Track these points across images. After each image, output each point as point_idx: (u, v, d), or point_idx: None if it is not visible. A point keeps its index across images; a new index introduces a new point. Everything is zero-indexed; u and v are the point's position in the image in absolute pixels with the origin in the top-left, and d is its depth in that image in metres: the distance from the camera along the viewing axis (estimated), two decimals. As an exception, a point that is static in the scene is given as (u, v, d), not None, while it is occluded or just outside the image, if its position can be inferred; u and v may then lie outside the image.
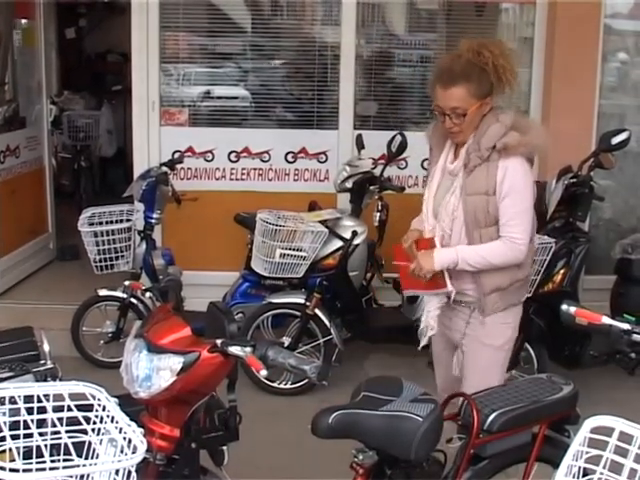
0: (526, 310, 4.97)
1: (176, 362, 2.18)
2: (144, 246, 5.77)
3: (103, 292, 5.69)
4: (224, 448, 2.76)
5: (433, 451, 2.73)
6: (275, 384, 5.47)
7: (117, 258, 5.68)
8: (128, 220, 5.70)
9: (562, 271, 5.20)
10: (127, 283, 5.47)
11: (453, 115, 3.32)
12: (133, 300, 5.61)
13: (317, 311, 5.34)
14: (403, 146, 5.61)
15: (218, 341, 2.22)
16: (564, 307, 2.75)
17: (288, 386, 5.49)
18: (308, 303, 5.33)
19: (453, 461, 2.85)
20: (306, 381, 5.37)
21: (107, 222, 5.66)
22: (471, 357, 3.53)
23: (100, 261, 5.67)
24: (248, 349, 2.17)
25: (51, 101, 8.72)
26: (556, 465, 3.01)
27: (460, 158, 3.44)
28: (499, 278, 3.41)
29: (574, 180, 5.18)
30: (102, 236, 5.61)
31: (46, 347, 3.31)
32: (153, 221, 5.80)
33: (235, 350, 2.18)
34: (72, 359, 5.45)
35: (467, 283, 3.46)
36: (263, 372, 2.10)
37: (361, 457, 2.63)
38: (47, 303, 6.94)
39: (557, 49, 6.36)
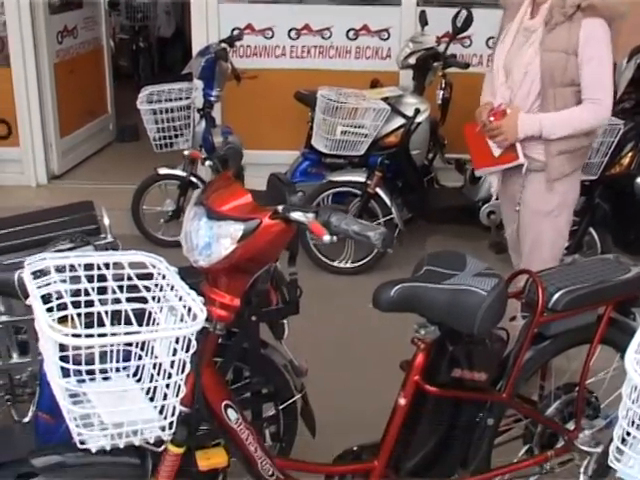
0: (591, 193, 4.93)
1: (236, 229, 2.12)
2: (203, 124, 5.74)
3: (163, 171, 5.70)
4: (284, 322, 2.76)
5: (496, 328, 2.68)
6: (335, 263, 5.49)
7: (176, 136, 5.67)
8: (187, 98, 5.65)
9: (630, 154, 5.05)
10: (187, 153, 5.49)
11: None
12: (193, 178, 5.61)
13: (378, 190, 5.30)
14: (469, 21, 5.45)
15: (280, 207, 2.15)
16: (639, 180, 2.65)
17: (348, 265, 5.50)
18: (369, 182, 5.28)
19: (516, 339, 2.80)
20: (366, 260, 5.39)
21: (166, 100, 5.63)
22: (523, 223, 3.65)
23: (159, 139, 5.66)
24: (310, 215, 2.10)
25: (108, -19, 8.59)
26: (619, 348, 2.99)
27: (540, 15, 3.41)
28: (567, 141, 3.43)
29: (646, 60, 4.98)
30: (161, 114, 5.58)
31: (106, 221, 3.30)
32: (212, 98, 5.74)
33: (297, 216, 2.11)
34: (133, 237, 5.52)
35: (536, 145, 3.47)
36: (326, 237, 2.03)
37: (423, 332, 2.59)
38: (107, 183, 7.02)
39: None
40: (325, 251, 5.45)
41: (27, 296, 1.99)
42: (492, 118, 3.48)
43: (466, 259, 2.68)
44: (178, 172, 5.67)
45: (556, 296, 2.71)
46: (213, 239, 2.16)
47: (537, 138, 3.44)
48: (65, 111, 7.36)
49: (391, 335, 3.63)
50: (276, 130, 6.60)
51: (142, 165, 6.28)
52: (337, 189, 5.40)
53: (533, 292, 2.72)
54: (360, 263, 5.47)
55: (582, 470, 3.04)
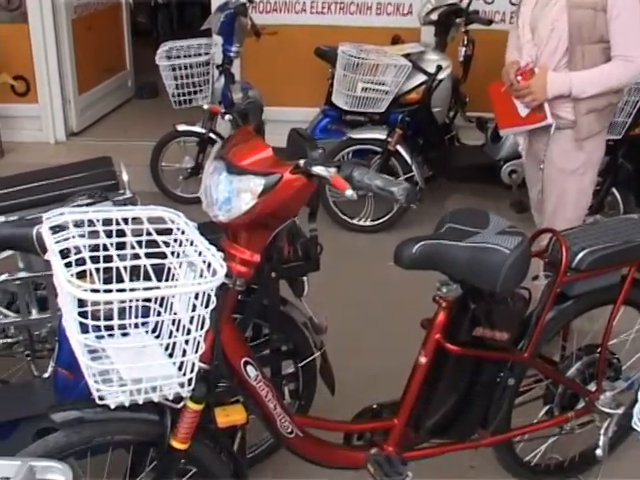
0: (615, 153, 4.87)
1: (257, 184, 2.09)
2: (223, 80, 5.68)
3: (182, 127, 5.68)
4: (304, 279, 2.74)
5: (519, 287, 2.64)
6: (354, 221, 5.47)
7: (195, 92, 5.63)
8: (206, 54, 5.61)
9: (656, 112, 4.95)
10: (206, 107, 5.50)
11: None
12: (212, 135, 5.58)
13: (399, 147, 5.25)
14: (492, -23, 5.37)
15: (301, 162, 2.12)
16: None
17: (367, 223, 5.48)
18: (390, 139, 5.22)
19: (539, 299, 2.76)
20: (385, 218, 5.36)
21: (185, 56, 5.58)
22: (547, 181, 3.60)
23: (178, 96, 5.63)
24: (332, 169, 2.06)
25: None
26: (643, 309, 2.96)
27: None
28: (596, 99, 3.37)
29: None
30: (180, 70, 5.54)
31: (125, 177, 3.28)
32: (232, 54, 5.67)
33: (319, 170, 2.07)
34: (151, 194, 5.49)
35: (564, 103, 3.42)
36: (348, 192, 1.99)
37: (445, 290, 2.55)
38: (126, 140, 7.01)
39: None
40: (344, 209, 5.43)
41: (45, 251, 1.97)
42: (520, 78, 3.42)
43: (489, 217, 2.63)
44: (197, 129, 5.65)
45: (580, 256, 2.67)
46: (233, 194, 2.13)
47: (566, 97, 3.37)
48: (83, 68, 7.33)
49: (412, 293, 3.61)
50: (296, 87, 6.55)
51: (161, 122, 6.25)
52: (357, 146, 5.34)
53: (556, 251, 2.68)
54: (380, 221, 5.45)
55: (602, 432, 3.00)
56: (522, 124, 3.55)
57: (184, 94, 5.61)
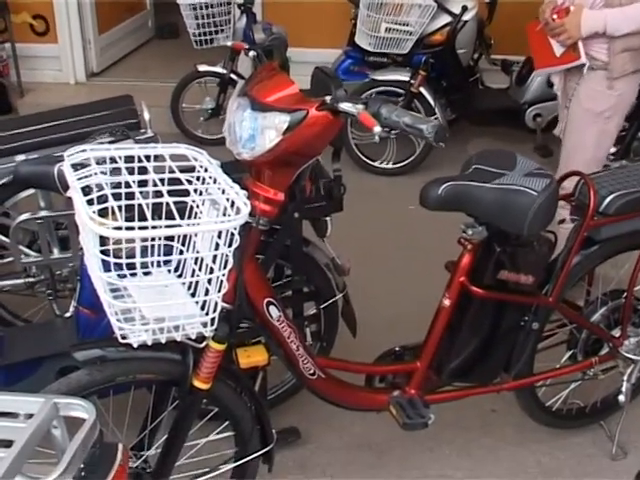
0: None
1: (282, 120, 2.04)
2: (244, 20, 5.63)
3: (203, 67, 5.63)
4: (327, 219, 2.71)
5: (545, 230, 2.60)
6: (376, 163, 5.43)
7: (217, 32, 5.58)
8: (228, -7, 5.52)
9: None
10: (230, 44, 5.42)
11: None
12: (233, 75, 5.52)
13: (422, 89, 5.19)
14: None
15: (327, 98, 2.07)
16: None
17: (389, 166, 5.44)
18: (413, 81, 5.16)
19: (565, 243, 2.72)
20: (408, 161, 5.32)
21: (206, -5, 5.51)
22: (571, 119, 3.56)
23: (199, 35, 5.58)
24: (360, 106, 2.01)
25: None
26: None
27: None
28: (631, 38, 3.29)
29: None
30: (201, 9, 5.48)
31: (146, 115, 3.25)
32: (254, -7, 5.61)
33: (346, 106, 2.02)
34: (172, 135, 5.44)
35: (599, 43, 3.35)
36: (377, 129, 1.94)
37: (470, 232, 2.51)
38: (146, 81, 6.96)
39: None
40: (366, 151, 5.38)
41: (67, 189, 1.94)
42: (555, 16, 3.36)
43: (516, 158, 2.58)
44: (218, 69, 5.60)
45: (608, 200, 2.63)
46: (257, 131, 2.08)
47: (600, 36, 3.30)
48: (103, 7, 7.27)
49: (433, 237, 3.58)
50: (318, 27, 6.45)
51: (181, 62, 6.22)
52: (380, 88, 5.27)
53: (584, 195, 2.64)
54: (402, 164, 5.41)
55: (625, 378, 3.00)
56: (557, 64, 3.51)
57: (205, 34, 5.57)
